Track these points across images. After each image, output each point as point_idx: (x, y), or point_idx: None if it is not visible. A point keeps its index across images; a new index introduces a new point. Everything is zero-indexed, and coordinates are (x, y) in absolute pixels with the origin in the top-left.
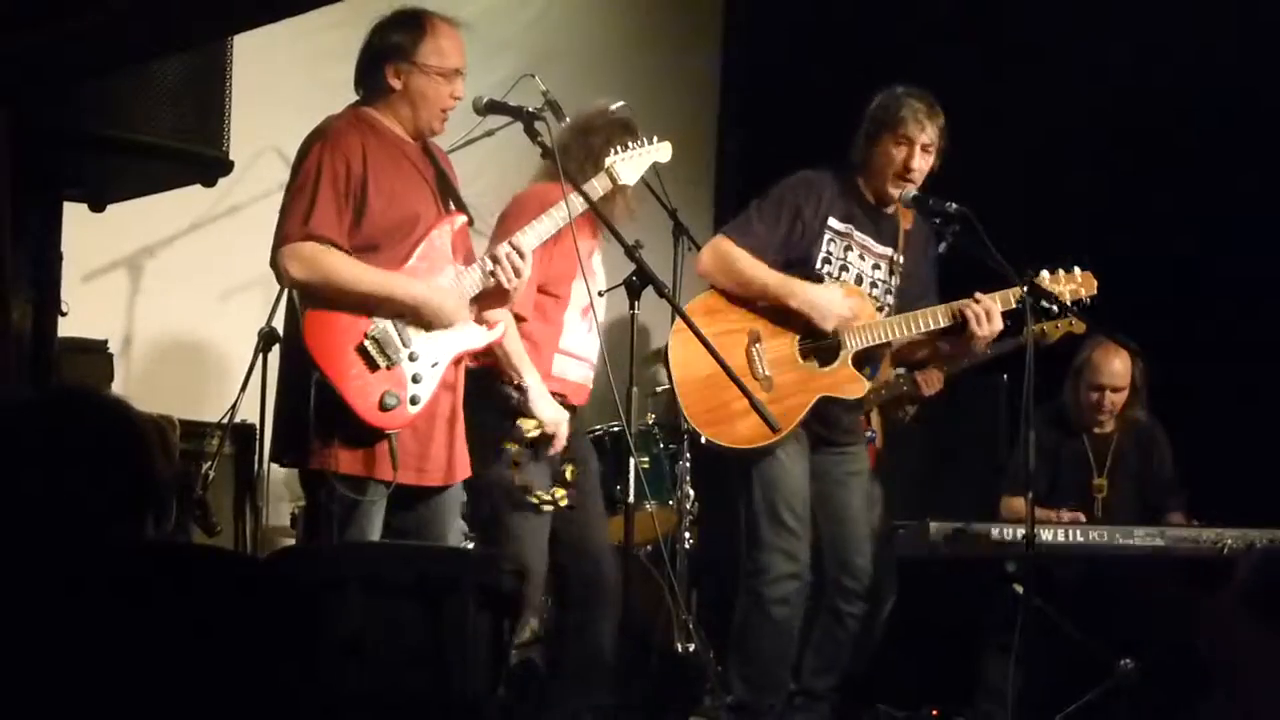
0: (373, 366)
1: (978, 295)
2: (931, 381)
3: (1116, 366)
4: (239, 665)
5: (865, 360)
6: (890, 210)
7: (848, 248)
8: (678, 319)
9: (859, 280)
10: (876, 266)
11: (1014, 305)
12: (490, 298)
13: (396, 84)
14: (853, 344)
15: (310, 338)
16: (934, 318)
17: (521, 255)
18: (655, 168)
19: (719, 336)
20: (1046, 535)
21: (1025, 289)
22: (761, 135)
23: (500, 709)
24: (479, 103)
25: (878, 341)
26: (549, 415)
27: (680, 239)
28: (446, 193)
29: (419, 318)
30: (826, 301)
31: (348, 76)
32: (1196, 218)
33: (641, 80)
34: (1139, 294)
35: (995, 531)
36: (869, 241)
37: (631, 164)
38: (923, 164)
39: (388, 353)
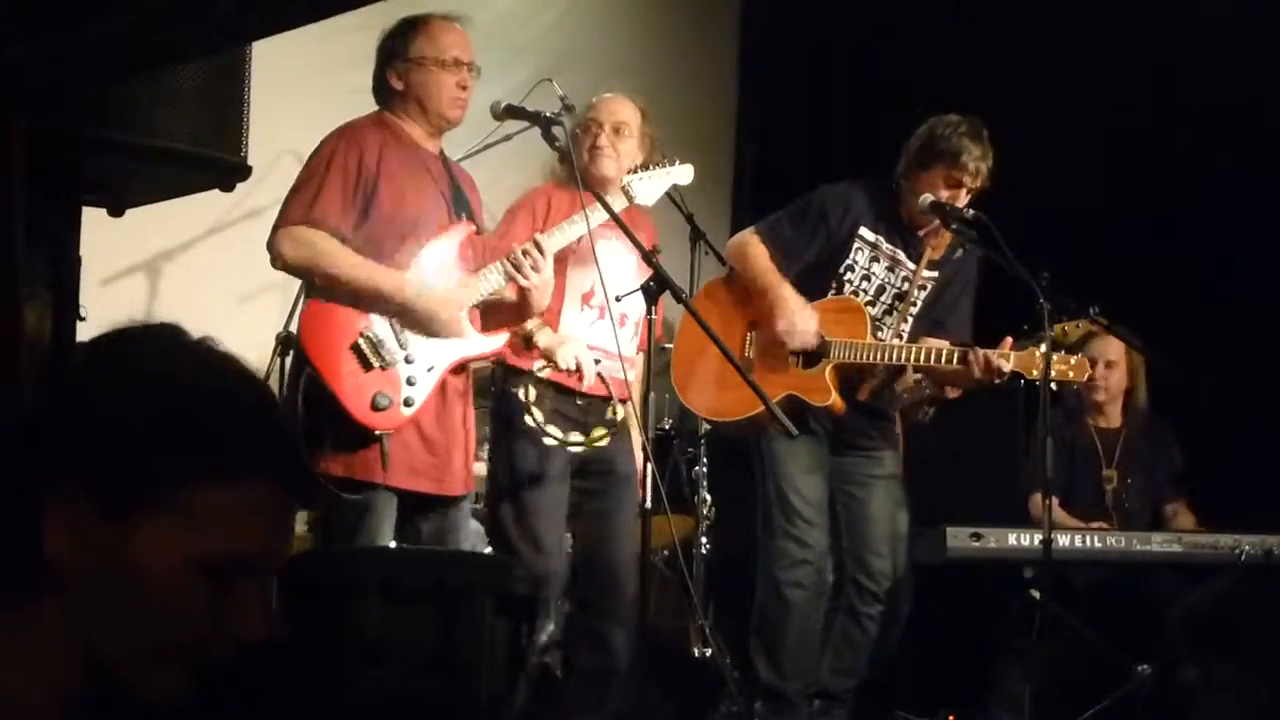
0: (366, 366)
1: (1001, 352)
2: None
3: (1111, 344)
4: (256, 672)
5: (859, 375)
6: (921, 233)
7: (874, 258)
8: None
9: (880, 290)
10: (907, 280)
11: (1027, 373)
12: (511, 308)
13: (399, 85)
14: (837, 356)
15: (305, 331)
16: (925, 354)
17: (541, 252)
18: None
19: (725, 315)
20: (1063, 541)
21: (1042, 295)
22: (780, 139)
23: (518, 714)
24: (496, 107)
25: (862, 361)
26: (563, 349)
27: (698, 244)
28: (460, 205)
29: (411, 318)
30: (788, 309)
31: (367, 81)
32: (1205, 221)
33: (660, 84)
34: (1149, 296)
35: (1012, 537)
36: (898, 254)
37: (649, 184)
38: (963, 202)
39: (382, 354)
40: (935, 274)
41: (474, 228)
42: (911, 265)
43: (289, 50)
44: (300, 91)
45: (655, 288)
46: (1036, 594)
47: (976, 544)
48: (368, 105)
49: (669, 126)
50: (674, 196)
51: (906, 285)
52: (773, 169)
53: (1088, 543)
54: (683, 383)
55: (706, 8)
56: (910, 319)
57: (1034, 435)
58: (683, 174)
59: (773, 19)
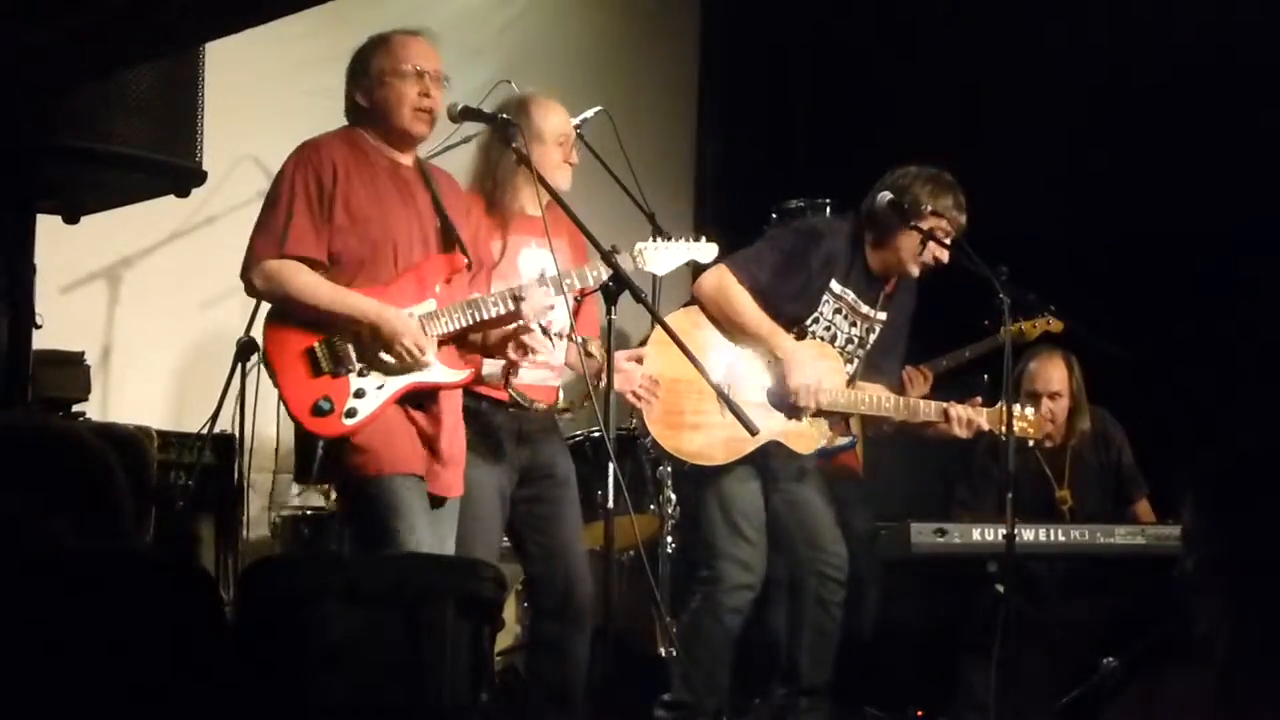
0: (316, 372)
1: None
2: (916, 383)
3: (1054, 374)
4: (217, 678)
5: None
6: (886, 285)
7: (838, 310)
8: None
9: (833, 340)
10: (854, 325)
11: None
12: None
13: (364, 102)
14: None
15: (267, 332)
16: (915, 409)
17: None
18: (632, 169)
19: (700, 350)
20: (1027, 535)
21: (1001, 291)
22: (740, 139)
23: (482, 717)
24: (453, 110)
25: (846, 411)
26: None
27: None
28: (440, 220)
29: (378, 340)
30: (801, 363)
31: (323, 85)
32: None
33: (620, 85)
34: (1115, 293)
35: (976, 532)
36: (859, 304)
37: (663, 256)
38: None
39: (335, 361)
40: (884, 315)
41: (465, 260)
42: (868, 310)
43: (245, 56)
44: (257, 98)
45: (614, 287)
46: (1001, 588)
47: (941, 539)
48: (325, 109)
49: (629, 125)
50: (634, 195)
51: (856, 329)
52: (734, 167)
53: (1051, 536)
54: (654, 419)
55: (666, 4)
56: (858, 360)
57: (971, 462)
58: (706, 252)
59: (734, 16)
